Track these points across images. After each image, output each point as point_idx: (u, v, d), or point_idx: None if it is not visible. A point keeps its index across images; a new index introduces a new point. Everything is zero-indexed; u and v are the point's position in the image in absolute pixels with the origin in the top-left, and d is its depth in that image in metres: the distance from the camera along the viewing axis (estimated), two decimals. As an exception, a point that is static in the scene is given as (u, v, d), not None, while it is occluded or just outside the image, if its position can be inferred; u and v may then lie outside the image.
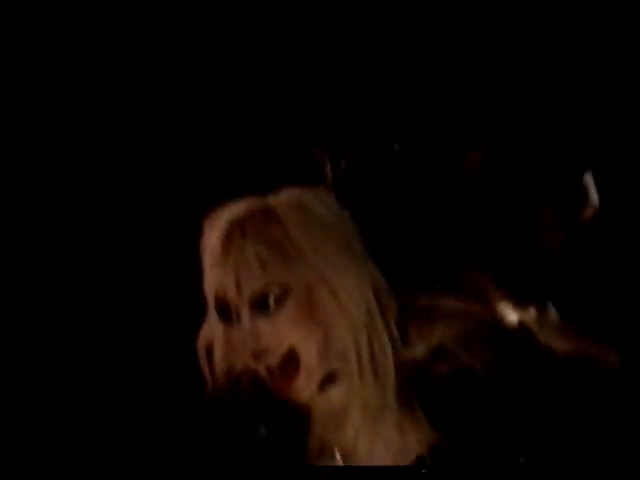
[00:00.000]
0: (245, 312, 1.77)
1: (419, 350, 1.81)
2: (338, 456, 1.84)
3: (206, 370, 1.85)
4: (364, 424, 1.83)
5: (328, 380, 1.81)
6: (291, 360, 1.77)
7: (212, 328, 1.83)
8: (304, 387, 1.78)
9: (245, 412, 1.79)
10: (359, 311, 1.79)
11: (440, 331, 1.82)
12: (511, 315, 1.85)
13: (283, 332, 1.76)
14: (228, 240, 1.77)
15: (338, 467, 1.80)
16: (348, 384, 1.81)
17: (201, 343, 1.86)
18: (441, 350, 1.80)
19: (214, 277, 1.79)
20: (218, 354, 1.83)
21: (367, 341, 1.79)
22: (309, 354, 1.76)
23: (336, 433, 1.84)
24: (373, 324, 1.80)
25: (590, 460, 1.80)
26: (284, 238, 1.77)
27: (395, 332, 1.81)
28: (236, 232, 1.78)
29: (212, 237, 1.80)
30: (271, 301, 1.76)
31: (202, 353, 1.86)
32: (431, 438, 1.78)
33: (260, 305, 1.76)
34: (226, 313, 1.79)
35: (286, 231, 1.78)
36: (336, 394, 1.83)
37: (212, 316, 1.82)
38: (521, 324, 1.85)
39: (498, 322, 1.86)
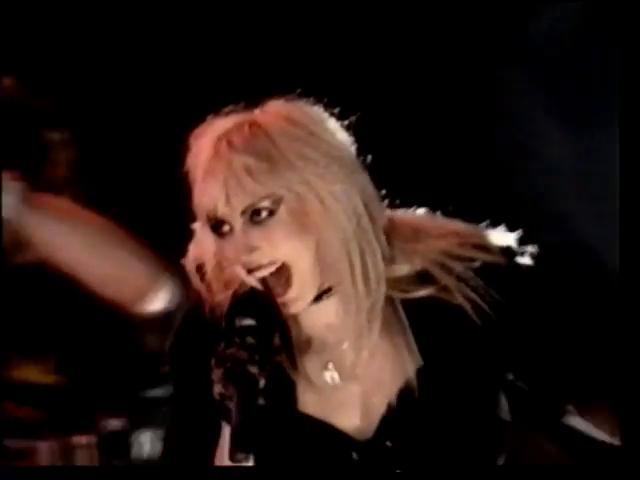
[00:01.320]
0: (238, 224, 1.79)
1: (403, 270, 1.83)
2: (334, 373, 1.87)
3: (200, 286, 1.87)
4: (357, 339, 1.85)
5: (324, 293, 1.83)
6: (284, 271, 1.78)
7: (203, 245, 1.84)
8: (297, 298, 1.80)
9: (242, 324, 1.78)
10: (349, 220, 1.80)
11: (423, 253, 1.84)
12: (494, 238, 1.83)
13: (276, 242, 1.78)
14: (216, 154, 1.78)
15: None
16: (342, 297, 1.83)
17: (191, 261, 1.88)
18: (424, 274, 1.82)
19: (204, 192, 1.79)
20: (210, 270, 1.85)
21: (359, 251, 1.80)
22: (302, 265, 1.79)
23: (331, 348, 1.87)
24: (364, 234, 1.81)
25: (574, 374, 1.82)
26: (271, 148, 1.78)
27: (385, 245, 1.83)
28: (223, 145, 1.78)
29: (199, 152, 1.81)
30: (263, 212, 1.77)
31: (193, 271, 1.87)
32: (418, 362, 1.81)
33: (252, 216, 1.78)
34: (218, 227, 1.80)
35: (272, 141, 1.78)
36: (331, 307, 1.85)
37: (203, 232, 1.84)
38: (504, 247, 1.85)
39: (481, 245, 1.84)
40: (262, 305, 1.79)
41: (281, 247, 1.78)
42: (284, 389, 1.87)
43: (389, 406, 1.82)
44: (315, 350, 1.88)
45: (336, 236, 1.79)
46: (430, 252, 1.83)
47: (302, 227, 1.78)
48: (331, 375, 1.87)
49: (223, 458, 1.81)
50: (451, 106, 2.97)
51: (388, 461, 1.81)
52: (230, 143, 1.78)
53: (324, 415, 1.85)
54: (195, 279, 1.88)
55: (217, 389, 1.74)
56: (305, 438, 1.85)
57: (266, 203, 1.77)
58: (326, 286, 1.83)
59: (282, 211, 1.78)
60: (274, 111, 1.83)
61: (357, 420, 1.84)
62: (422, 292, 1.82)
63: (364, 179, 1.84)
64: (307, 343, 1.88)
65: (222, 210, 1.78)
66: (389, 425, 1.82)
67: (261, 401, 1.73)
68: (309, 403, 1.87)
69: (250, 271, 1.79)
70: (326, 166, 1.79)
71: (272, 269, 1.78)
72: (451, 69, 2.99)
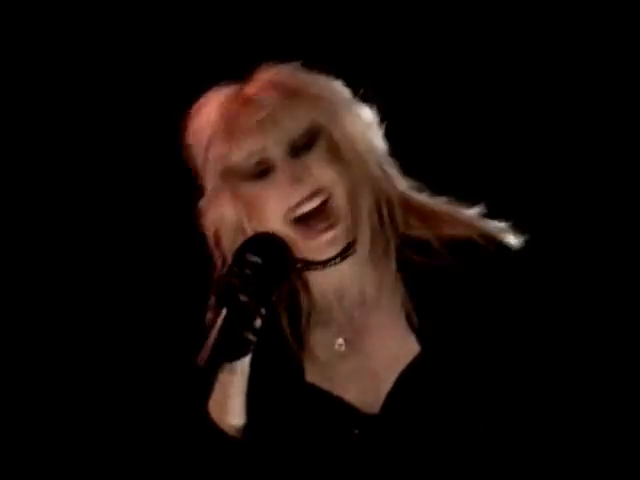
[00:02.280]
0: (278, 161, 1.80)
1: (418, 233, 1.84)
2: (343, 345, 1.86)
3: (217, 254, 1.87)
4: (367, 310, 1.86)
5: (346, 250, 1.84)
6: (326, 209, 1.79)
7: (221, 207, 1.85)
8: (334, 239, 1.81)
9: (247, 259, 1.78)
10: (373, 163, 1.84)
11: (437, 230, 1.85)
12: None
13: (318, 173, 1.79)
14: (231, 110, 1.81)
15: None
16: (357, 260, 1.85)
17: (209, 223, 1.88)
18: (434, 249, 1.83)
19: (229, 144, 1.81)
20: (226, 236, 1.86)
21: (383, 198, 1.84)
22: (341, 201, 1.80)
23: (340, 319, 1.87)
24: (387, 182, 1.85)
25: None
26: (294, 84, 1.82)
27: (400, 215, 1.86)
28: (240, 98, 1.82)
29: (207, 119, 1.83)
30: (302, 145, 1.80)
31: (211, 238, 1.88)
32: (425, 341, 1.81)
33: (292, 151, 1.80)
34: (254, 172, 1.81)
35: (295, 79, 1.83)
36: (345, 271, 1.86)
37: (222, 190, 1.84)
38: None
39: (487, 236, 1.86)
40: (275, 250, 1.79)
41: (323, 177, 1.79)
42: (290, 359, 1.87)
43: (397, 382, 1.81)
44: (323, 320, 1.88)
45: (364, 178, 1.83)
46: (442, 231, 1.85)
47: (340, 161, 1.80)
48: (339, 346, 1.86)
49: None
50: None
51: (392, 437, 1.79)
52: (247, 95, 1.81)
53: (330, 387, 1.85)
54: (211, 243, 1.88)
55: (208, 315, 1.77)
56: (310, 409, 1.84)
57: (303, 135, 1.80)
58: (350, 239, 1.84)
59: (321, 143, 1.80)
60: (267, 77, 1.85)
61: (363, 394, 1.83)
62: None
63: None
64: (316, 312, 1.89)
65: (260, 151, 1.80)
66: (396, 401, 1.81)
67: (252, 337, 1.73)
68: (315, 374, 1.86)
69: (296, 206, 1.79)
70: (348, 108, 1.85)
71: (317, 202, 1.79)
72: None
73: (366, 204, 1.83)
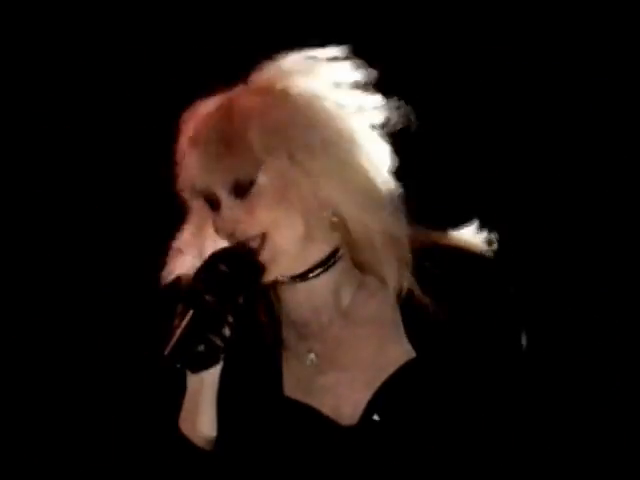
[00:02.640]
0: (223, 198, 1.81)
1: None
2: (317, 358, 1.87)
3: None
4: (343, 325, 1.87)
5: (311, 271, 1.85)
6: (267, 241, 1.80)
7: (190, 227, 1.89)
8: (275, 262, 1.81)
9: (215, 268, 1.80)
10: (348, 193, 1.81)
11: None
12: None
13: (258, 214, 1.79)
14: (198, 134, 1.81)
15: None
16: (331, 277, 1.86)
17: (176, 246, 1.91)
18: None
19: (188, 172, 1.82)
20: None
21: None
22: (285, 236, 1.81)
23: (315, 333, 1.89)
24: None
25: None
26: (243, 131, 1.79)
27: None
28: (203, 126, 1.81)
29: (185, 135, 1.84)
30: (243, 185, 1.79)
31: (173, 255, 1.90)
32: (409, 353, 1.82)
33: (236, 191, 1.80)
34: (206, 201, 1.84)
35: (247, 124, 1.80)
36: (319, 288, 1.86)
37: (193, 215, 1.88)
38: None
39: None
40: (243, 259, 1.81)
41: (263, 219, 1.80)
42: (268, 372, 1.88)
43: (375, 394, 1.81)
44: (299, 334, 1.89)
45: (324, 214, 1.81)
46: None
47: (285, 199, 1.79)
48: (310, 361, 1.87)
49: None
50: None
51: (370, 448, 1.80)
52: (208, 124, 1.80)
53: (307, 399, 1.85)
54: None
55: (175, 322, 1.79)
56: (287, 421, 1.85)
57: (245, 176, 1.79)
58: (315, 263, 1.84)
59: (263, 183, 1.79)
60: (255, 89, 1.84)
61: (340, 406, 1.83)
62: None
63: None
64: (292, 325, 1.90)
65: (205, 189, 1.82)
66: (374, 413, 1.81)
67: (219, 342, 1.76)
68: (293, 387, 1.87)
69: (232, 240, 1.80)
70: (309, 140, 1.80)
71: (256, 242, 1.80)
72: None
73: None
